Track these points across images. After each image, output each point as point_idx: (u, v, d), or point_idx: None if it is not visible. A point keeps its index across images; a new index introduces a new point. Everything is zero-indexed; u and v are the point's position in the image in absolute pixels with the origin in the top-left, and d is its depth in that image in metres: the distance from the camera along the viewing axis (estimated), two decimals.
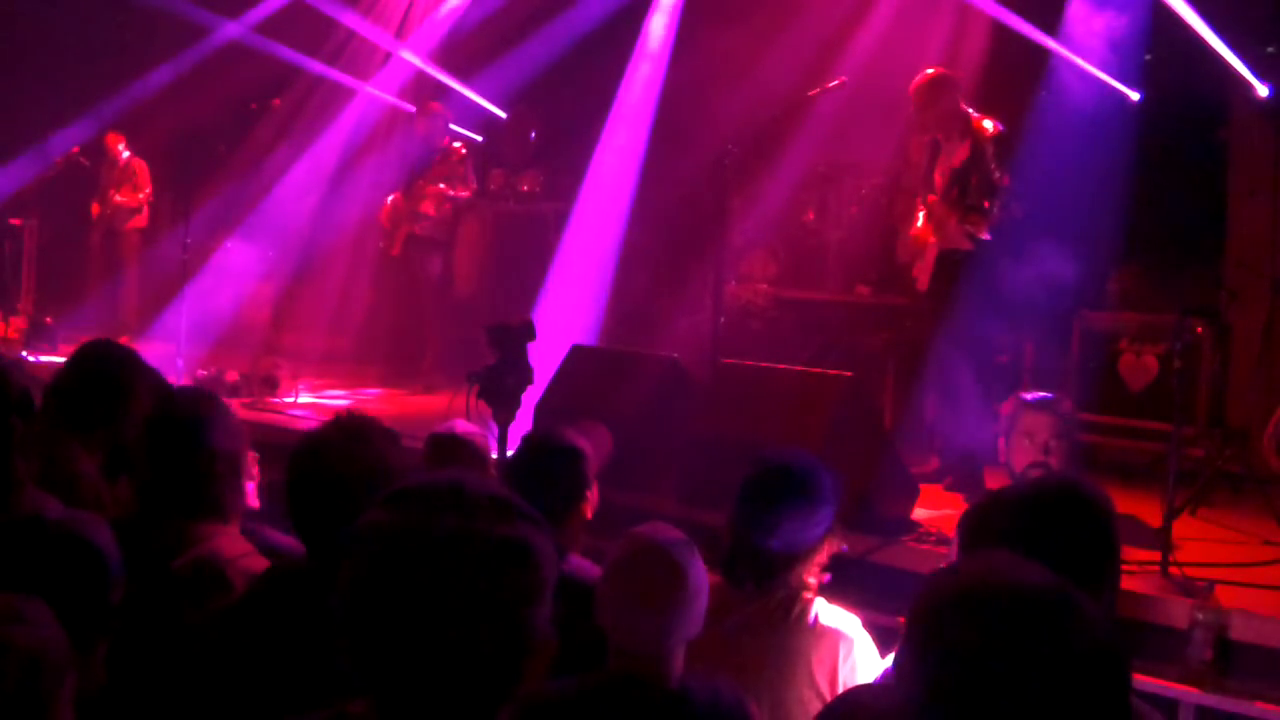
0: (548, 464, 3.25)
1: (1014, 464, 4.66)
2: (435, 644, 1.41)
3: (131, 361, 3.61)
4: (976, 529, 2.15)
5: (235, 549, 2.78)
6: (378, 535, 1.45)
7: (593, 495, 3.34)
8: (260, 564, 2.78)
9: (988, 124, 5.92)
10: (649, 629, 2.33)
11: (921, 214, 6.20)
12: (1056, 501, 2.14)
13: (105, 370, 3.53)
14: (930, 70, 6.15)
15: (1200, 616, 3.92)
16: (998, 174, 5.82)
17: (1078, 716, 1.29)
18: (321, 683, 2.03)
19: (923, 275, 6.17)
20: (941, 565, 3.51)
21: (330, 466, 2.43)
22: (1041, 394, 4.76)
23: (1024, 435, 4.19)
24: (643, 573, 2.36)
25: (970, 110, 6.04)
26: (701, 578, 2.40)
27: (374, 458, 2.45)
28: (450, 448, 3.80)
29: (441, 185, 8.70)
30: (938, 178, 6.11)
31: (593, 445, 3.39)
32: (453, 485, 1.49)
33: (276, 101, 9.35)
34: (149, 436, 2.93)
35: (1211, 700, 3.77)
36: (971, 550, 2.13)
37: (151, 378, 3.61)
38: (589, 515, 3.32)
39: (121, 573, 2.23)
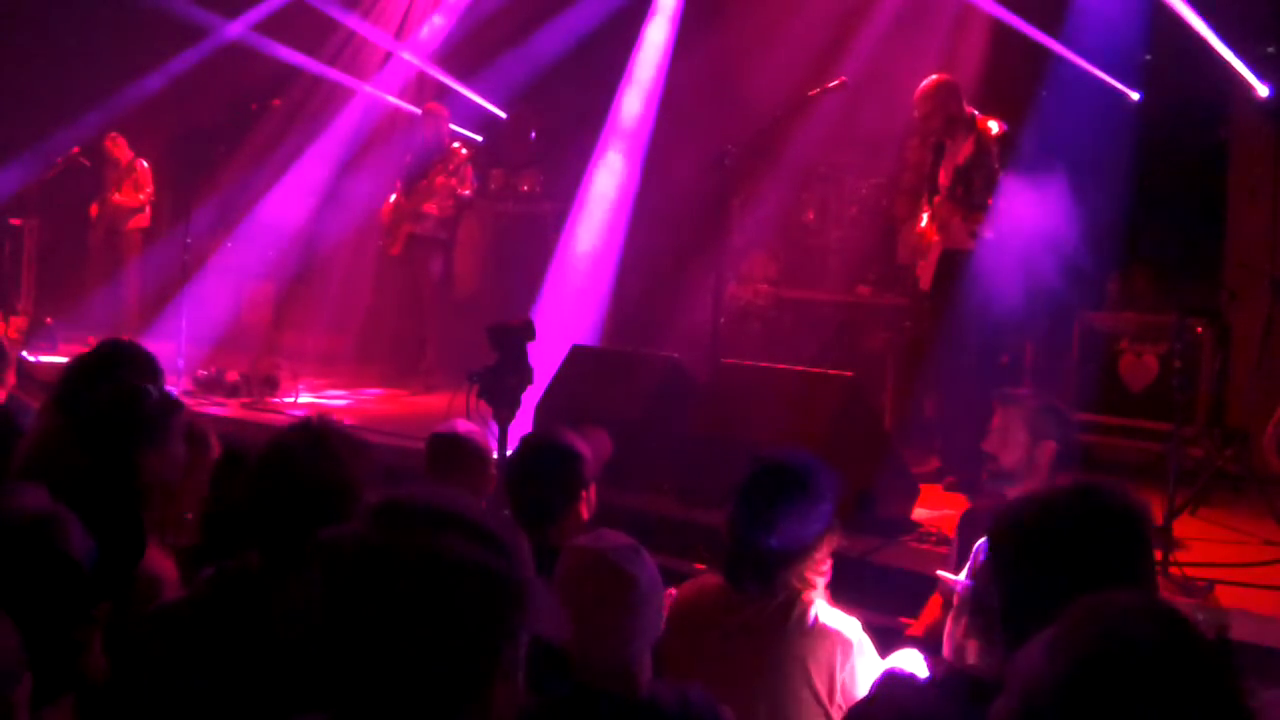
0: (545, 463, 3.25)
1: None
2: (395, 662, 1.38)
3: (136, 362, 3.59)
4: (1005, 541, 2.13)
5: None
6: (349, 549, 1.43)
7: (590, 496, 3.33)
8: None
9: (992, 124, 5.95)
10: (606, 640, 2.30)
11: (926, 215, 6.22)
12: (1085, 511, 2.12)
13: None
14: (933, 77, 6.17)
15: (1200, 616, 3.91)
16: (1001, 173, 5.84)
17: None
18: (271, 688, 2.02)
19: (925, 274, 6.17)
20: (943, 568, 3.51)
21: (296, 475, 2.43)
22: (1018, 390, 4.71)
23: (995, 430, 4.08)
24: (590, 585, 2.32)
25: (974, 111, 6.06)
26: (652, 580, 2.36)
27: (337, 468, 2.44)
28: (451, 448, 3.81)
29: (454, 180, 8.70)
30: (942, 178, 6.12)
31: (592, 449, 3.39)
32: (437, 506, 1.46)
33: (276, 101, 9.35)
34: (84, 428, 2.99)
35: None
36: (1002, 558, 2.12)
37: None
38: (586, 516, 3.31)
39: (93, 566, 2.20)
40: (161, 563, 2.81)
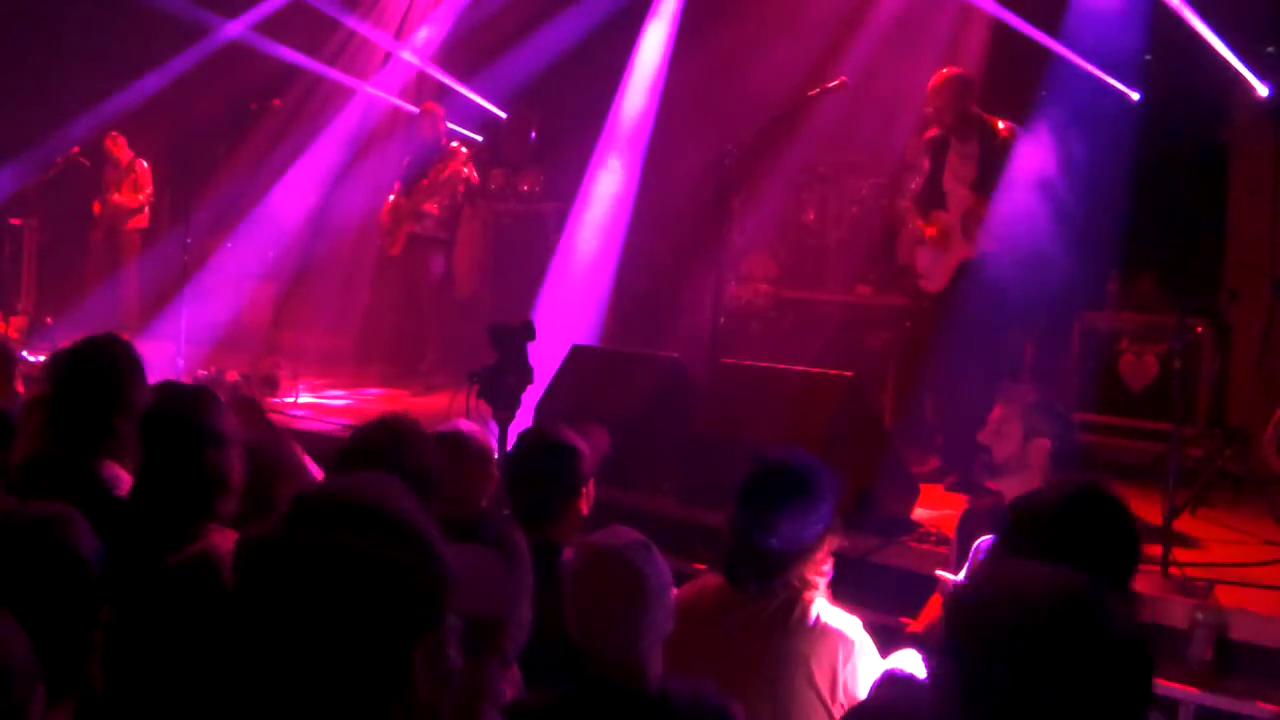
0: (543, 461, 3.26)
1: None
2: (303, 664, 1.35)
3: (127, 356, 3.58)
4: (1014, 532, 2.21)
5: (230, 546, 2.75)
6: (263, 548, 1.40)
7: (589, 492, 3.34)
8: None
9: (1001, 125, 5.95)
10: (617, 636, 2.32)
11: (917, 219, 6.20)
12: (1084, 506, 2.20)
13: (100, 368, 3.50)
14: (947, 70, 6.15)
15: (1200, 616, 3.92)
16: (1006, 173, 5.84)
17: (1106, 707, 1.34)
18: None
19: (938, 275, 6.10)
20: (943, 568, 3.51)
21: (380, 467, 2.45)
22: (1018, 386, 4.73)
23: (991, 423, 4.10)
24: (601, 581, 2.34)
25: (980, 111, 6.06)
26: (662, 576, 2.38)
27: (418, 461, 2.50)
28: (453, 448, 3.80)
29: (465, 169, 8.70)
30: (947, 177, 6.10)
31: (590, 445, 3.40)
32: (351, 501, 1.42)
33: (276, 101, 9.35)
34: (145, 431, 2.92)
35: (1211, 700, 3.77)
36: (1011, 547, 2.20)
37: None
38: (585, 512, 3.32)
39: (102, 568, 2.19)
40: None
